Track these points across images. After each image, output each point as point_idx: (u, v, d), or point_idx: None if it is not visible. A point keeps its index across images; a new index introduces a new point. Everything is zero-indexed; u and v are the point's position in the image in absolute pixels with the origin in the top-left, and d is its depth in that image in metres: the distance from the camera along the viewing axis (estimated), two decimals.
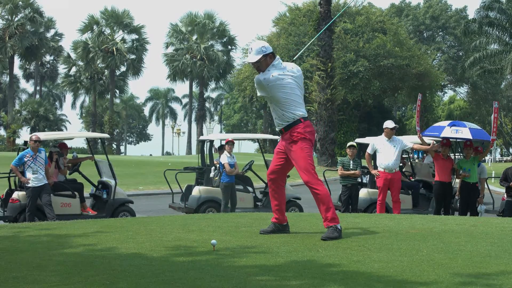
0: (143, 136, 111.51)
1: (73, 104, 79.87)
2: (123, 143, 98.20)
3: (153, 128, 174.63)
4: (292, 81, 6.63)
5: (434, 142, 15.33)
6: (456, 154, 17.52)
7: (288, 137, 6.70)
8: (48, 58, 77.69)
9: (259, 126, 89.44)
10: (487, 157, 59.02)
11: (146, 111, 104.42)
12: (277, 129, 6.88)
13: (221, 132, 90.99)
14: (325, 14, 35.48)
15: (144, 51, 66.00)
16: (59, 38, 71.79)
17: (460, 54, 70.29)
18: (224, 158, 14.41)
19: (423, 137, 13.71)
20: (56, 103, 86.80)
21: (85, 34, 63.48)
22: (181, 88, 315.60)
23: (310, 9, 48.41)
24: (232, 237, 6.43)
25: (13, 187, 13.77)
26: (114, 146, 79.98)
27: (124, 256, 5.40)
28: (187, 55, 65.16)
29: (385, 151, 12.40)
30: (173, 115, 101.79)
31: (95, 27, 63.28)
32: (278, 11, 54.19)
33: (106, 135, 16.14)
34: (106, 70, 65.79)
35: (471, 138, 12.97)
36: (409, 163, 17.63)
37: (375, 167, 12.93)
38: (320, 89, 35.84)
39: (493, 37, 40.72)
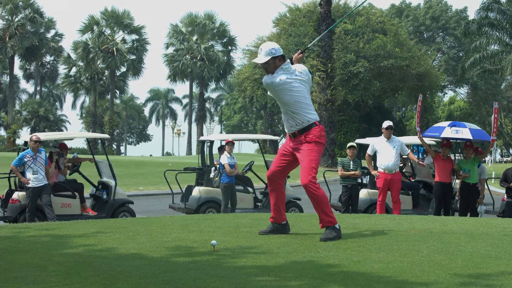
0: (143, 137, 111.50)
1: (73, 105, 79.95)
2: (123, 144, 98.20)
3: (153, 129, 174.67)
4: (300, 85, 6.61)
5: (434, 142, 15.37)
6: (456, 154, 17.51)
7: (302, 139, 6.66)
8: (48, 58, 77.69)
9: (259, 127, 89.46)
10: (487, 158, 59.04)
11: (146, 111, 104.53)
12: (289, 132, 6.80)
13: (221, 132, 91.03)
14: (325, 15, 35.49)
15: (144, 52, 65.98)
16: (59, 38, 71.78)
17: (460, 54, 70.26)
18: (224, 159, 14.41)
19: (423, 138, 13.72)
20: (56, 103, 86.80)
21: (85, 35, 63.49)
22: (181, 89, 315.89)
23: (310, 9, 48.42)
24: (232, 238, 6.43)
25: (13, 188, 13.77)
26: (114, 146, 79.99)
27: (124, 257, 5.40)
28: (187, 56, 65.16)
29: (384, 151, 12.47)
30: (173, 116, 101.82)
31: (95, 27, 63.27)
32: (278, 12, 54.30)
33: (106, 136, 16.14)
34: (106, 71, 65.78)
35: (471, 138, 12.98)
36: (409, 163, 17.62)
37: (375, 168, 12.95)
38: (320, 90, 35.85)
39: (493, 38, 40.73)
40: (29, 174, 12.65)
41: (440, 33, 75.89)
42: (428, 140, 14.29)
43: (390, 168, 12.40)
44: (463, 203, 12.95)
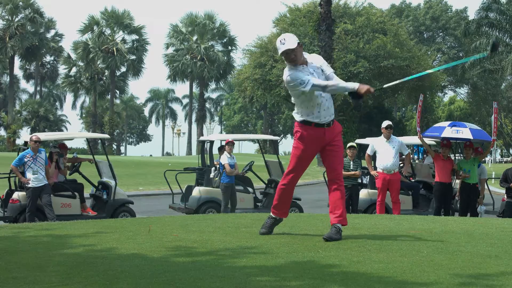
0: (143, 137, 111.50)
1: (73, 105, 79.97)
2: (123, 144, 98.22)
3: (153, 129, 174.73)
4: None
5: (434, 142, 15.36)
6: (456, 155, 17.52)
7: (335, 130, 6.47)
8: (48, 58, 77.75)
9: (259, 127, 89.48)
10: (487, 158, 59.04)
11: (146, 111, 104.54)
12: (327, 121, 6.38)
13: (221, 132, 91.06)
14: (325, 15, 35.47)
15: (144, 52, 66.05)
16: (59, 38, 71.82)
17: (460, 55, 70.30)
18: (225, 159, 14.42)
19: (424, 138, 13.71)
20: (57, 103, 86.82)
21: (85, 35, 63.56)
22: (181, 89, 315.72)
23: (311, 9, 48.35)
24: (232, 238, 6.43)
25: (13, 188, 13.78)
26: (114, 146, 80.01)
27: (124, 257, 5.40)
28: (187, 56, 65.17)
29: (383, 152, 12.49)
30: (173, 116, 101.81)
31: (95, 27, 63.31)
32: (278, 12, 54.28)
33: (106, 136, 16.15)
34: (106, 71, 65.81)
35: (471, 138, 12.99)
36: (410, 163, 17.62)
37: (375, 168, 12.97)
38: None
39: (493, 38, 40.72)
40: (29, 174, 12.65)
41: (440, 33, 75.90)
42: (428, 140, 14.29)
43: (389, 169, 12.41)
44: (463, 203, 12.96)
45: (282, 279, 4.47)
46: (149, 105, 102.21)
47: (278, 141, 75.57)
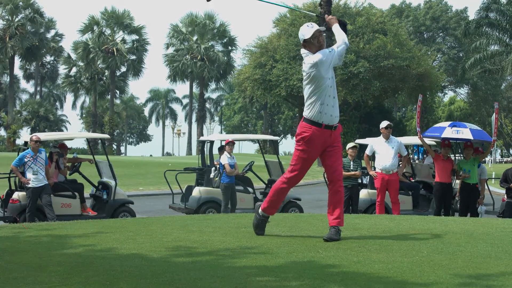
0: (143, 137, 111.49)
1: (74, 105, 79.95)
2: (124, 144, 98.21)
3: (153, 129, 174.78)
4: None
5: (434, 142, 15.37)
6: (457, 155, 17.52)
7: (337, 131, 6.46)
8: (48, 58, 77.74)
9: (259, 127, 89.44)
10: (487, 158, 59.04)
11: (146, 111, 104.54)
12: (333, 123, 6.36)
13: (221, 132, 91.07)
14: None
15: (145, 52, 66.00)
16: (60, 38, 71.80)
17: (461, 55, 70.27)
18: (225, 159, 14.41)
19: (424, 138, 13.71)
20: (57, 103, 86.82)
21: (85, 35, 63.51)
22: (182, 89, 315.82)
23: (311, 10, 48.37)
24: (232, 238, 6.43)
25: (13, 188, 13.78)
26: (115, 146, 79.99)
27: (124, 257, 5.40)
28: (187, 56, 65.15)
29: (382, 152, 12.47)
30: (173, 116, 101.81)
31: (95, 27, 63.29)
32: (278, 12, 54.08)
33: (106, 136, 16.16)
34: (106, 71, 65.79)
35: (472, 138, 12.97)
36: (410, 164, 17.63)
37: (374, 169, 12.97)
38: None
39: (493, 38, 40.75)
40: (29, 174, 12.65)
41: (440, 34, 75.87)
42: (428, 140, 14.29)
43: (388, 169, 12.39)
44: (463, 204, 12.95)
45: (282, 279, 4.47)
46: (149, 105, 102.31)
47: (278, 141, 75.59)
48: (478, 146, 13.81)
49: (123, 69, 66.56)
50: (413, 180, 16.17)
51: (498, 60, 40.97)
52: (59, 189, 13.62)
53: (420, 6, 76.91)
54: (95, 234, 6.82)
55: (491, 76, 53.13)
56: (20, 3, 63.04)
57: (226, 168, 14.29)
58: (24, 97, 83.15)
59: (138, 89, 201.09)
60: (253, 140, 53.60)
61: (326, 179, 6.66)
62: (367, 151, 12.85)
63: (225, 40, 67.28)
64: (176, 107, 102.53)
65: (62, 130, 71.86)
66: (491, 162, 60.82)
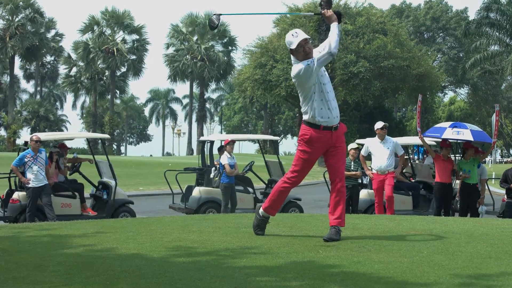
0: (144, 137, 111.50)
1: (74, 105, 79.99)
2: (124, 144, 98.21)
3: (153, 129, 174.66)
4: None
5: (434, 143, 15.36)
6: (457, 155, 17.51)
7: (339, 131, 6.48)
8: (48, 58, 77.72)
9: (260, 127, 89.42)
10: (488, 158, 58.96)
11: (147, 111, 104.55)
12: (335, 123, 6.39)
13: (221, 133, 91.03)
14: None
15: (145, 52, 66.06)
16: (60, 38, 71.80)
17: (461, 55, 70.25)
18: (225, 159, 14.41)
19: (424, 138, 13.70)
20: (57, 103, 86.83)
21: (85, 35, 63.57)
22: (182, 89, 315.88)
23: (311, 10, 48.36)
24: (232, 238, 6.43)
25: (13, 188, 13.78)
26: (115, 146, 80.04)
27: (124, 257, 5.40)
28: (187, 56, 65.17)
29: (377, 153, 12.43)
30: (174, 116, 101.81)
31: (95, 27, 63.33)
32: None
33: (106, 136, 16.15)
34: (106, 71, 65.82)
35: (472, 140, 12.94)
36: (410, 164, 17.62)
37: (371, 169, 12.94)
38: None
39: (494, 38, 40.75)
40: (29, 174, 12.65)
41: (441, 34, 75.87)
42: (428, 140, 14.28)
43: (383, 170, 12.34)
44: (463, 204, 12.95)
45: (282, 279, 4.47)
46: (149, 105, 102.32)
47: (278, 141, 75.57)
48: (478, 147, 13.80)
49: (123, 69, 66.61)
50: (413, 180, 16.16)
51: (498, 60, 40.98)
52: (59, 189, 13.62)
53: (420, 6, 76.90)
54: (95, 234, 6.83)
55: (491, 77, 53.13)
56: (21, 3, 63.06)
57: (226, 168, 14.28)
58: (24, 97, 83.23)
59: (138, 89, 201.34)
60: (253, 140, 53.61)
61: (326, 179, 6.69)
62: (362, 152, 12.87)
63: (225, 40, 67.31)
64: (176, 107, 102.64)
65: (62, 130, 71.86)
66: (491, 162, 60.81)
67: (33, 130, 65.13)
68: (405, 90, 52.44)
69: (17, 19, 63.07)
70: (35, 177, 12.62)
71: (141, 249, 5.76)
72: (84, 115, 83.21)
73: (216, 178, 15.11)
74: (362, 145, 15.20)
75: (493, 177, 24.14)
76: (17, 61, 69.21)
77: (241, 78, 50.23)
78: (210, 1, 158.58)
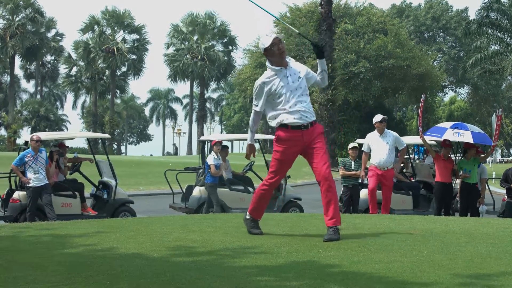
0: (144, 136, 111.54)
1: (74, 104, 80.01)
2: (124, 143, 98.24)
3: (153, 129, 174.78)
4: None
5: (435, 142, 15.35)
6: (457, 155, 17.52)
7: (313, 131, 6.54)
8: (49, 58, 77.78)
9: (260, 127, 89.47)
10: (488, 158, 59.03)
11: (147, 111, 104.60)
12: (308, 121, 6.51)
13: (221, 132, 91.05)
14: (326, 15, 35.49)
15: (145, 51, 66.09)
16: (60, 38, 71.88)
17: (461, 55, 70.28)
18: (211, 159, 14.54)
19: (425, 137, 13.68)
20: (57, 103, 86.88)
21: (86, 34, 63.60)
22: (182, 89, 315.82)
23: (311, 9, 48.39)
24: (232, 238, 6.43)
25: (13, 187, 13.78)
26: (115, 146, 80.00)
27: (124, 256, 5.40)
28: (187, 56, 65.18)
29: (377, 147, 11.92)
30: (174, 116, 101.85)
31: (96, 27, 63.34)
32: (279, 12, 54.12)
33: (106, 135, 16.14)
34: (107, 70, 65.84)
35: (472, 142, 12.89)
36: (410, 163, 17.62)
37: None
38: (321, 90, 35.86)
39: (494, 38, 40.75)
40: (29, 174, 12.65)
41: (441, 33, 75.89)
42: (429, 140, 14.27)
43: (382, 165, 11.80)
44: (463, 203, 12.94)
45: (282, 279, 4.47)
46: (150, 104, 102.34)
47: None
48: (479, 147, 13.78)
49: (124, 68, 66.65)
50: (414, 180, 16.16)
51: (498, 60, 40.98)
52: (60, 188, 13.62)
53: (421, 6, 76.92)
54: (96, 234, 6.83)
55: (492, 76, 53.09)
56: (21, 2, 63.09)
57: (211, 169, 14.40)
58: (25, 96, 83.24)
59: (139, 88, 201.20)
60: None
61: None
62: (364, 148, 12.27)
63: (226, 40, 67.33)
64: (176, 106, 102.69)
65: (62, 130, 71.86)
66: (492, 162, 60.79)
67: (33, 130, 65.14)
68: (406, 89, 52.47)
69: (17, 19, 63.10)
70: (35, 176, 12.62)
71: (141, 249, 5.76)
72: (84, 115, 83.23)
73: (201, 178, 15.21)
74: (362, 144, 15.22)
75: (493, 176, 24.14)
76: (18, 61, 69.29)
77: (242, 77, 50.27)
78: (210, 1, 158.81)
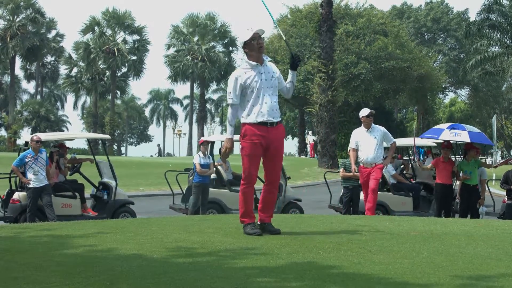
0: (144, 137, 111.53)
1: (74, 105, 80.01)
2: (124, 144, 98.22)
3: (153, 129, 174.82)
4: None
5: (435, 144, 15.36)
6: (457, 156, 17.54)
7: (278, 132, 6.79)
8: (49, 58, 77.79)
9: None
10: (488, 160, 59.04)
11: (147, 112, 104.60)
12: (275, 119, 6.76)
13: (222, 133, 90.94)
14: (327, 16, 35.48)
15: (145, 52, 66.03)
16: (61, 39, 71.88)
17: (461, 56, 70.27)
18: (197, 158, 14.65)
19: (423, 139, 13.68)
20: (57, 103, 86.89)
21: (86, 35, 63.54)
22: (182, 89, 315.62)
23: (312, 11, 48.40)
24: (232, 239, 6.43)
25: (14, 188, 13.79)
26: (115, 147, 79.97)
27: (124, 257, 5.40)
28: (188, 56, 65.15)
29: (363, 143, 11.38)
30: (174, 116, 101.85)
31: (96, 28, 63.31)
32: (279, 13, 54.18)
33: (107, 136, 16.16)
34: (107, 71, 65.81)
35: (469, 141, 12.88)
36: (410, 165, 17.63)
37: (358, 164, 11.95)
38: (321, 91, 35.85)
39: (494, 40, 40.77)
40: (30, 175, 12.66)
41: (441, 35, 75.89)
42: (428, 142, 14.28)
43: (369, 162, 11.27)
44: (463, 205, 12.95)
45: (282, 280, 4.47)
46: (150, 105, 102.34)
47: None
48: (479, 148, 13.78)
49: (124, 69, 66.61)
50: (414, 182, 16.17)
51: (499, 61, 40.99)
52: (60, 189, 13.63)
53: (421, 7, 76.94)
54: (96, 235, 6.82)
55: (492, 78, 53.17)
56: (21, 3, 63.08)
57: (197, 168, 14.51)
58: (25, 97, 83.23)
59: (139, 89, 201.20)
60: None
61: (263, 179, 6.91)
62: (352, 145, 11.61)
63: (226, 41, 67.29)
64: (176, 107, 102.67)
65: (62, 131, 71.87)
66: (492, 164, 60.75)
67: (33, 131, 65.13)
68: (406, 91, 52.46)
69: (18, 19, 63.08)
70: (35, 177, 12.62)
71: (141, 250, 5.76)
72: (84, 116, 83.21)
73: (190, 177, 15.26)
74: None
75: (494, 178, 24.13)
76: (18, 61, 69.27)
77: None
78: (210, 1, 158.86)
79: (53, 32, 70.81)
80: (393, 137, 12.19)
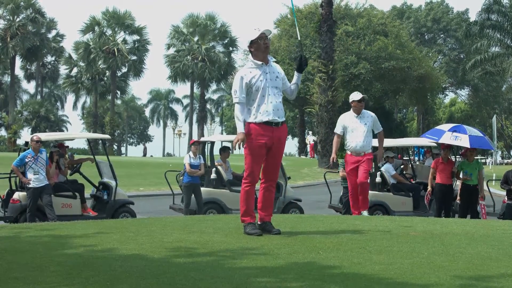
0: (144, 137, 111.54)
1: (74, 105, 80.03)
2: (124, 144, 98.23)
3: (154, 129, 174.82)
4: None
5: (435, 144, 15.36)
6: (457, 157, 17.53)
7: (282, 132, 6.81)
8: (49, 58, 77.76)
9: None
10: (488, 160, 59.03)
11: (147, 112, 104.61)
12: (279, 119, 6.74)
13: (222, 133, 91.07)
14: (327, 16, 35.49)
15: (145, 52, 66.02)
16: (61, 39, 71.87)
17: (461, 56, 70.31)
18: (187, 159, 14.68)
19: (424, 139, 13.67)
20: (57, 103, 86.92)
21: (86, 35, 63.53)
22: (182, 89, 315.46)
23: (312, 11, 48.42)
24: (232, 239, 6.43)
25: (14, 188, 13.79)
26: (115, 147, 79.96)
27: (124, 257, 5.40)
28: (188, 56, 65.12)
29: (352, 129, 10.50)
30: (174, 117, 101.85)
31: (96, 28, 63.30)
32: (279, 13, 54.26)
33: (107, 136, 16.16)
34: (107, 71, 65.80)
35: (469, 147, 12.79)
36: (410, 165, 17.63)
37: (343, 151, 11.30)
38: (321, 91, 35.86)
39: (494, 40, 40.78)
40: (30, 175, 12.66)
41: (441, 35, 75.92)
42: (428, 142, 14.28)
43: (358, 151, 10.39)
44: (463, 205, 12.96)
45: (282, 280, 4.47)
46: (150, 105, 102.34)
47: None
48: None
49: (124, 69, 66.61)
50: (414, 182, 16.16)
51: (499, 61, 41.02)
52: (60, 189, 13.62)
53: (421, 8, 76.96)
54: (96, 235, 6.82)
55: (492, 78, 53.20)
56: (22, 3, 63.08)
57: (186, 168, 14.53)
58: (25, 97, 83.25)
59: (139, 89, 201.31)
60: None
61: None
62: (337, 130, 10.68)
63: (226, 41, 67.25)
64: (176, 107, 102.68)
65: (62, 131, 71.85)
66: (492, 164, 60.78)
67: (33, 131, 65.13)
68: (406, 91, 52.45)
69: (18, 19, 63.07)
70: (35, 177, 12.62)
71: (141, 250, 5.76)
72: (84, 116, 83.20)
73: (181, 177, 15.27)
74: None
75: (494, 178, 24.12)
76: (18, 61, 69.24)
77: None
78: (210, 1, 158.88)
79: (53, 32, 70.88)
80: (393, 137, 12.18)
